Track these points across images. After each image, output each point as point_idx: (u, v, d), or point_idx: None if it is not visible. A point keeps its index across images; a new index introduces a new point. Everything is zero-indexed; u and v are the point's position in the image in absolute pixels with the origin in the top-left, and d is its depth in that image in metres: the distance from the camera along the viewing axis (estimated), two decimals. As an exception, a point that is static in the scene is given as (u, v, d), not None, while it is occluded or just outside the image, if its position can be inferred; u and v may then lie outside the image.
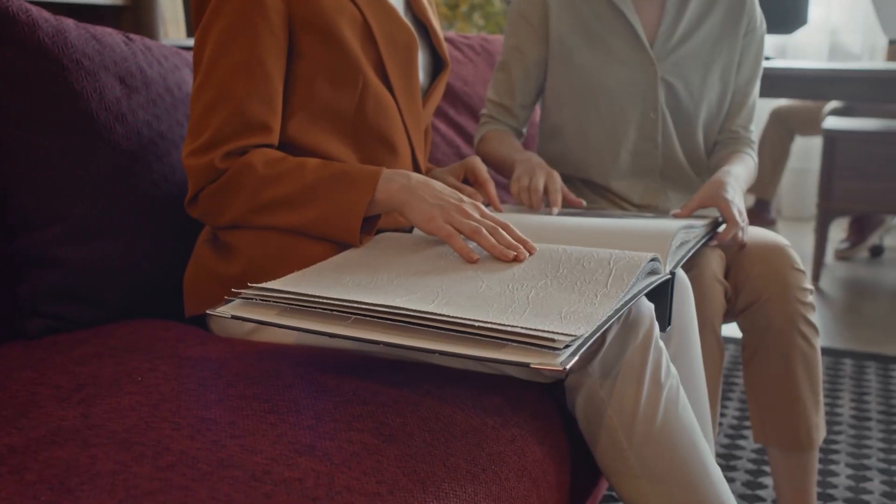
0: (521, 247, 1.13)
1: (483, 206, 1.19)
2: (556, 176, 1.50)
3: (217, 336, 1.22)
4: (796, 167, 4.88)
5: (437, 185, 1.19)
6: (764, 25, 1.71)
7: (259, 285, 1.02)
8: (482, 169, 1.48)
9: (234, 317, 0.98)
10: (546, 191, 1.49)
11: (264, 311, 0.99)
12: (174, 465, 0.81)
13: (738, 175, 1.55)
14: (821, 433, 1.48)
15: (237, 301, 1.02)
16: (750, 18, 1.69)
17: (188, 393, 0.96)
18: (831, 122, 3.31)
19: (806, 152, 4.88)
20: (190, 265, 1.30)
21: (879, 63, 3.86)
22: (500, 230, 1.14)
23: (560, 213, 1.46)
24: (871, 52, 4.64)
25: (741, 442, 2.07)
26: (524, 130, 1.80)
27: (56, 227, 1.22)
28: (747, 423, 2.17)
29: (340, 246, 1.20)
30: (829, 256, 3.93)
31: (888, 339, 2.86)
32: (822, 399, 1.48)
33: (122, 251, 1.28)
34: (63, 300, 1.23)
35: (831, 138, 3.19)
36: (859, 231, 3.89)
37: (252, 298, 1.01)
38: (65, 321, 1.23)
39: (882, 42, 4.54)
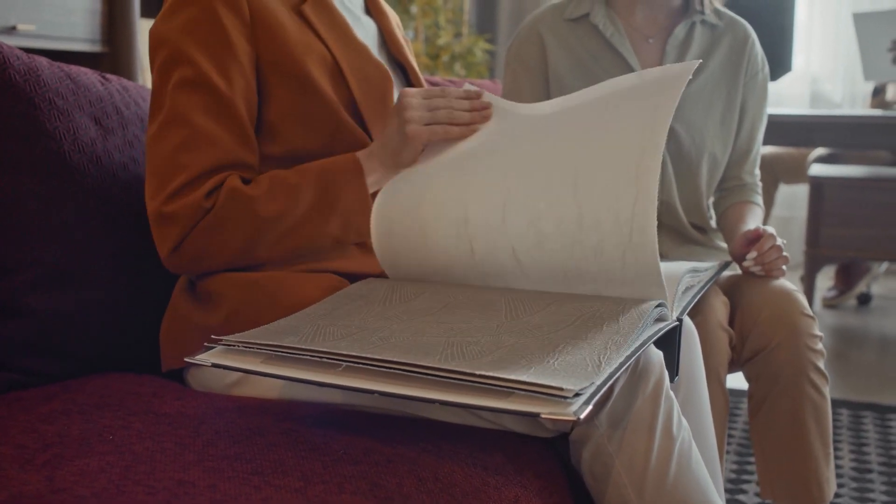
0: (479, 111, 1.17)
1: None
2: None
3: (195, 390, 1.14)
4: (781, 215, 4.87)
5: (388, 128, 1.18)
6: (766, 69, 1.68)
7: (241, 335, 0.95)
8: None
9: (214, 365, 0.91)
10: None
11: (248, 358, 0.92)
12: (147, 534, 0.73)
13: None
14: (832, 487, 1.41)
15: (218, 348, 0.95)
16: (751, 62, 1.66)
17: (164, 453, 0.89)
18: (818, 169, 3.29)
19: (790, 200, 4.87)
20: (167, 316, 1.22)
21: (864, 110, 3.88)
22: (453, 100, 1.17)
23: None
24: (851, 100, 4.67)
25: (741, 497, 1.99)
26: None
27: (23, 275, 1.15)
28: (746, 477, 2.10)
29: (330, 289, 1.14)
30: (817, 305, 3.89)
31: (882, 388, 2.81)
32: (832, 451, 1.41)
33: (94, 300, 1.20)
34: (30, 352, 1.15)
35: (818, 185, 3.17)
36: (846, 279, 3.86)
37: (234, 345, 0.94)
38: (31, 375, 1.15)
39: (862, 90, 4.57)
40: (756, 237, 1.43)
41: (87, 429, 0.95)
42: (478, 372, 0.82)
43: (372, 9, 1.39)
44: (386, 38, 1.39)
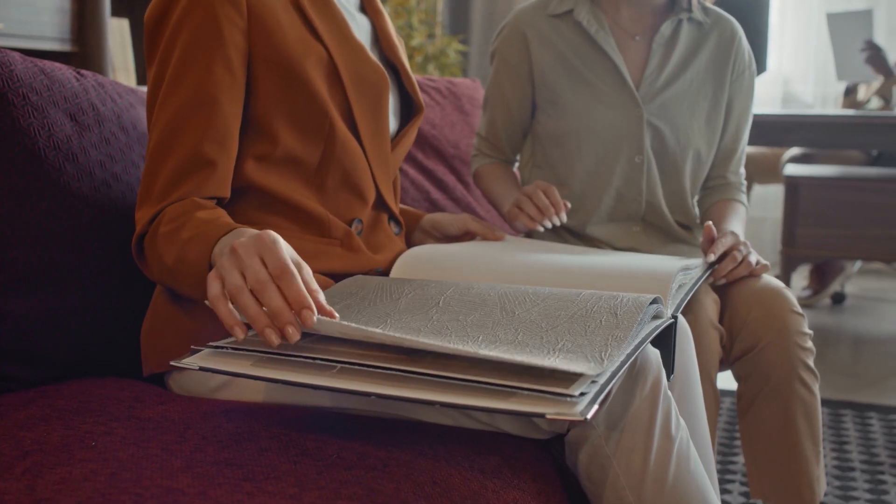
0: (286, 313, 0.84)
1: (307, 272, 0.90)
2: (552, 188, 1.48)
3: (178, 395, 1.10)
4: (754, 216, 4.89)
5: (245, 238, 0.91)
6: (754, 66, 1.67)
7: (230, 338, 0.92)
8: (480, 228, 1.47)
9: (202, 368, 0.87)
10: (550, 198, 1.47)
11: (237, 361, 0.88)
12: (137, 545, 0.69)
13: (737, 230, 1.53)
14: (822, 487, 1.40)
15: (205, 351, 0.91)
16: (738, 60, 1.64)
17: (150, 459, 0.85)
18: (793, 169, 3.30)
19: (762, 201, 4.89)
20: (147, 318, 1.18)
21: (837, 110, 3.90)
22: (273, 288, 0.84)
23: (556, 251, 1.39)
24: (822, 100, 4.70)
25: (725, 496, 1.98)
26: (516, 157, 1.78)
27: (-2, 277, 1.10)
28: (730, 477, 2.09)
29: None
30: (791, 304, 3.90)
31: (859, 386, 2.82)
32: (822, 450, 1.40)
33: (70, 303, 1.16)
34: (4, 358, 1.10)
35: (793, 185, 3.17)
36: (820, 279, 3.88)
37: (223, 348, 0.90)
38: (6, 381, 1.11)
39: (833, 91, 4.60)
40: (711, 238, 1.41)
41: (67, 435, 0.91)
42: (480, 379, 0.80)
43: (367, 7, 1.37)
44: (380, 37, 1.36)
